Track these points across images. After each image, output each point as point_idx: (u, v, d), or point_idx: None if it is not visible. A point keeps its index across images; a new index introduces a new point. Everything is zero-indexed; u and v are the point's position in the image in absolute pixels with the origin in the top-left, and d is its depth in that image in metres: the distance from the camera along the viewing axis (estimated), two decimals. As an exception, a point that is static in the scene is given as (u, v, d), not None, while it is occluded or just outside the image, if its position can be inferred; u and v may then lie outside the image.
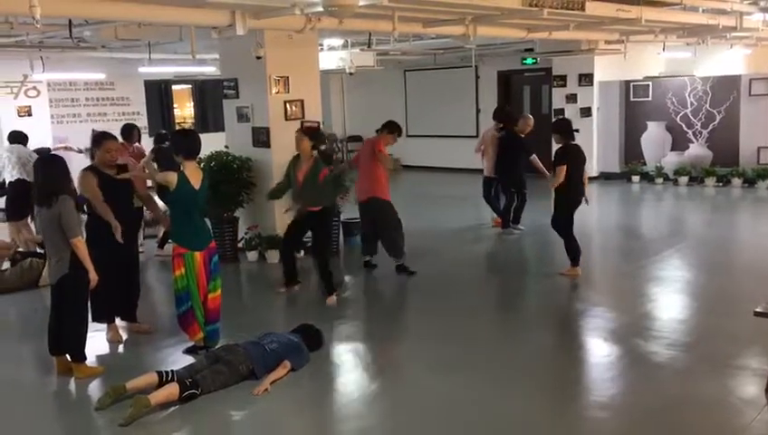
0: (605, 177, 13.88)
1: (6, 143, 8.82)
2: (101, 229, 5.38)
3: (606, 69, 13.57)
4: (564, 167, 7.05)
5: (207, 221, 5.82)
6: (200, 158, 6.42)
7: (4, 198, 8.73)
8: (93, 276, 4.87)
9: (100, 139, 5.58)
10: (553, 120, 8.13)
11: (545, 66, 14.22)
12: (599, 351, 5.30)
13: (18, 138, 8.75)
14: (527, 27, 9.14)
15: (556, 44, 11.64)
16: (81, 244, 4.81)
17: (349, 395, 4.64)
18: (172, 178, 5.16)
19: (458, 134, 15.75)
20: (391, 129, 7.49)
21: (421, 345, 5.50)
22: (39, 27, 5.62)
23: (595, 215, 11.58)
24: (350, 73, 11.80)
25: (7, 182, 8.48)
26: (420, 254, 8.61)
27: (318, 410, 4.55)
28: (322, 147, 6.86)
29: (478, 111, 15.62)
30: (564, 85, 14.01)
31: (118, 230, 5.28)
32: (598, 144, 13.93)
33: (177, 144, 5.40)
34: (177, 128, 14.58)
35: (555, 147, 7.70)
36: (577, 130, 7.64)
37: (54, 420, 4.60)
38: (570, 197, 7.24)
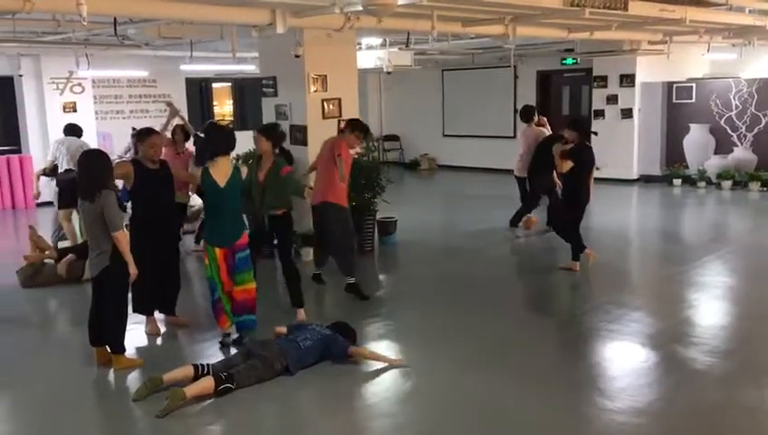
0: (645, 180, 13.65)
1: (61, 135, 9.10)
2: (143, 224, 5.50)
3: (648, 70, 13.34)
4: (571, 162, 7.10)
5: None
6: (238, 155, 6.52)
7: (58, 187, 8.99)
8: (133, 270, 4.96)
9: (144, 134, 5.68)
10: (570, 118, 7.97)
11: (586, 66, 14.04)
12: (636, 356, 5.21)
13: (73, 130, 9.01)
14: (568, 27, 9.02)
15: (597, 44, 11.47)
16: (122, 237, 4.91)
17: (381, 393, 4.65)
18: (197, 173, 5.43)
19: (495, 135, 15.65)
20: (354, 128, 6.58)
21: (455, 345, 5.48)
22: (85, 25, 5.75)
23: (635, 218, 11.41)
24: (388, 72, 11.82)
25: (58, 172, 8.74)
26: (452, 253, 8.60)
27: (350, 407, 4.57)
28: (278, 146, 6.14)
29: (516, 111, 15.49)
30: (605, 86, 13.81)
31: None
32: (639, 146, 13.72)
33: (202, 142, 5.54)
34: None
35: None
36: (595, 133, 7.53)
37: (93, 409, 4.70)
38: (578, 197, 7.30)
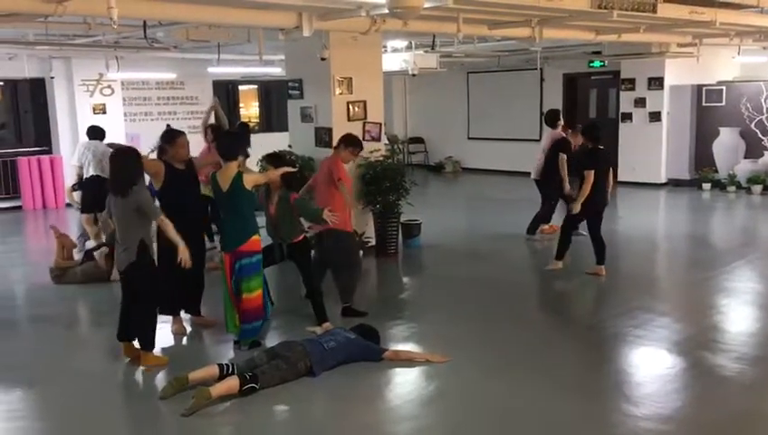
0: (674, 184, 13.47)
1: (85, 138, 9.20)
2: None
3: (677, 72, 13.18)
4: (593, 171, 7.10)
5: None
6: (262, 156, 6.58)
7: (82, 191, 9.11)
8: (183, 253, 5.01)
9: (173, 136, 5.75)
10: (584, 124, 7.93)
11: (613, 69, 13.91)
12: (663, 362, 5.15)
13: (96, 132, 9.07)
14: (595, 29, 8.95)
15: (625, 47, 11.36)
16: (165, 221, 5.02)
17: (404, 395, 4.65)
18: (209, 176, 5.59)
19: (521, 138, 15.57)
20: (348, 143, 6.39)
21: (478, 348, 5.46)
22: (115, 28, 5.84)
23: (663, 222, 11.28)
24: (413, 75, 11.83)
25: (84, 178, 8.86)
26: (476, 256, 8.57)
27: (373, 408, 4.57)
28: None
29: (542, 114, 15.40)
30: (633, 89, 13.67)
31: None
32: (667, 150, 13.55)
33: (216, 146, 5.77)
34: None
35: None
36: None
37: (120, 407, 4.77)
38: (595, 200, 7.26)
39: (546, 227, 9.41)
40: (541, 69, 14.10)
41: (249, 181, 5.39)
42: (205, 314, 6.08)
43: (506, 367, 5.07)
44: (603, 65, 13.89)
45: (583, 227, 9.27)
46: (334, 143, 8.06)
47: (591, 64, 14.08)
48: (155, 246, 5.35)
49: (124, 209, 5.01)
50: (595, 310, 6.61)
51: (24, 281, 7.81)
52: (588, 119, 15.00)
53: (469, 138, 16.95)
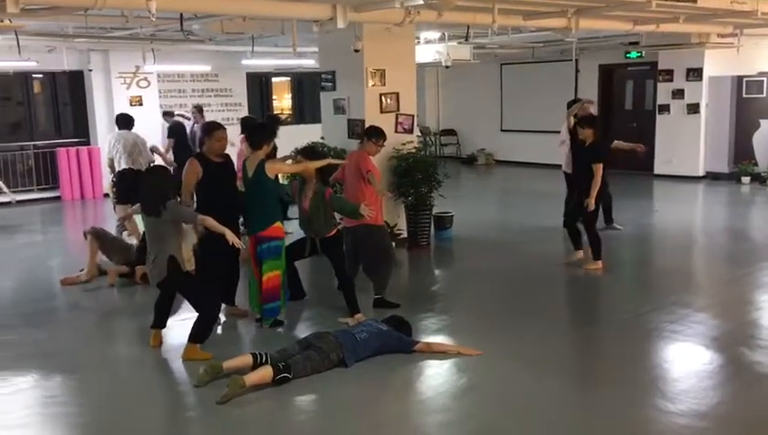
0: (712, 177, 13.21)
1: (116, 129, 9.30)
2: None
3: (717, 63, 12.89)
4: (601, 165, 7.06)
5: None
6: (296, 148, 6.63)
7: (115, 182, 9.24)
8: (231, 234, 5.05)
9: (211, 129, 5.81)
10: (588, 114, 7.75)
11: (651, 60, 13.67)
12: (700, 358, 5.07)
13: (126, 122, 9.05)
14: (633, 20, 8.80)
15: (663, 37, 11.15)
16: (204, 218, 5.09)
17: (436, 387, 4.65)
18: None
19: (555, 129, 15.33)
20: (371, 134, 6.45)
21: (511, 341, 5.43)
22: (153, 21, 5.91)
23: (701, 216, 11.07)
24: (446, 67, 11.77)
25: (116, 170, 8.97)
26: (509, 248, 8.52)
27: (404, 400, 4.59)
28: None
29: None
30: (671, 80, 13.42)
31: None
32: (705, 142, 13.29)
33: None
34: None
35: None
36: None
37: (156, 394, 4.84)
38: (604, 191, 7.24)
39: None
40: (576, 60, 13.90)
41: (272, 170, 5.56)
42: (238, 304, 6.15)
43: (539, 361, 5.04)
44: (640, 56, 13.65)
45: (618, 221, 9.19)
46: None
47: (628, 55, 13.84)
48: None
49: (157, 225, 5.10)
50: (630, 304, 6.51)
51: (62, 271, 7.97)
52: (624, 111, 14.80)
53: (502, 130, 16.82)
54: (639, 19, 8.77)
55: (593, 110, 8.97)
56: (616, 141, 9.06)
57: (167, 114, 12.13)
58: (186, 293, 5.29)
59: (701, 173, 13.33)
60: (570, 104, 9.17)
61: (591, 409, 4.31)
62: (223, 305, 6.08)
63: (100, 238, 7.30)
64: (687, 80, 13.22)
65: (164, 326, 5.44)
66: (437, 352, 5.07)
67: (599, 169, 7.09)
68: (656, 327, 5.68)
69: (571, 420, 4.20)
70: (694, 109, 13.20)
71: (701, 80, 13.07)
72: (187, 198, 5.64)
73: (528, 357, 5.11)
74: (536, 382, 4.67)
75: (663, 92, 13.57)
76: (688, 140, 13.29)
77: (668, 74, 13.43)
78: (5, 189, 10.52)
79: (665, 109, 13.56)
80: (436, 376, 4.86)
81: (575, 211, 7.50)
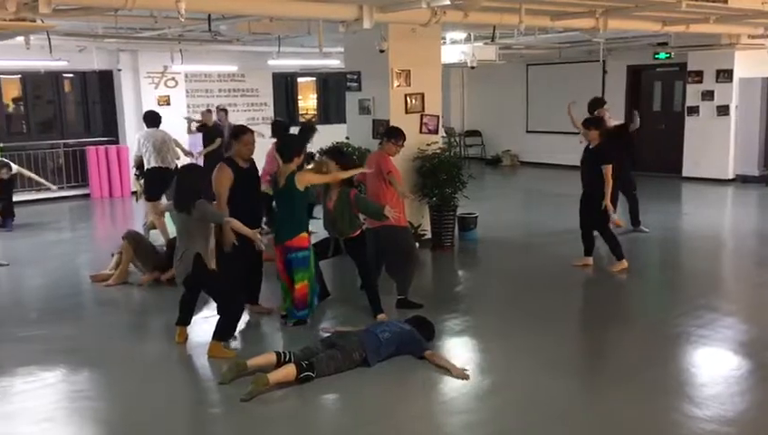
0: (742, 180, 12.99)
1: (144, 127, 9.40)
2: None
3: (747, 65, 12.69)
4: (611, 166, 7.01)
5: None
6: (321, 148, 6.65)
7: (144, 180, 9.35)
8: (254, 234, 5.12)
9: (239, 132, 5.82)
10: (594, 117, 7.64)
11: (680, 61, 13.49)
12: (728, 363, 4.99)
13: (153, 119, 9.07)
14: (662, 20, 8.69)
15: (693, 38, 10.99)
16: (230, 220, 5.14)
17: (458, 389, 4.63)
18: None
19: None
20: (390, 135, 6.43)
21: (535, 343, 5.39)
22: (182, 21, 5.97)
23: (730, 220, 10.90)
24: (472, 67, 11.73)
25: (145, 168, 9.07)
26: (534, 250, 8.46)
27: (426, 401, 4.58)
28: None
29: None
30: (700, 81, 13.23)
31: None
32: (735, 145, 13.07)
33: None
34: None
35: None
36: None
37: (180, 390, 4.90)
38: (630, 193, 7.09)
39: (616, 218, 9.25)
40: (603, 61, 13.77)
41: (302, 182, 5.58)
42: (261, 301, 6.19)
43: (563, 363, 5.00)
44: (669, 57, 13.46)
45: (645, 224, 9.08)
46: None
47: (657, 56, 13.65)
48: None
49: (186, 222, 5.18)
50: (657, 308, 6.44)
51: (89, 267, 8.10)
52: (652, 112, 14.63)
53: (527, 131, 16.72)
54: (669, 20, 8.66)
55: (607, 115, 8.84)
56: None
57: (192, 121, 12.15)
58: (210, 291, 5.35)
59: (730, 176, 13.12)
60: (591, 104, 9.10)
61: (616, 412, 4.26)
62: (248, 304, 6.14)
63: (135, 242, 7.27)
64: (717, 81, 13.02)
65: (189, 323, 5.52)
66: (437, 365, 4.91)
67: (608, 170, 7.03)
68: (683, 331, 5.60)
69: (594, 423, 4.16)
70: (723, 111, 13.00)
71: (731, 81, 12.88)
72: (222, 206, 5.62)
73: (552, 359, 5.07)
74: (560, 384, 4.64)
75: (692, 94, 13.39)
76: (718, 143, 13.10)
77: (698, 75, 13.25)
78: (44, 181, 10.78)
79: (694, 111, 13.38)
80: (457, 378, 4.84)
81: (586, 217, 7.41)
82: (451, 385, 4.71)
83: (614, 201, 9.20)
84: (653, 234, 8.99)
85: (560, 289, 6.87)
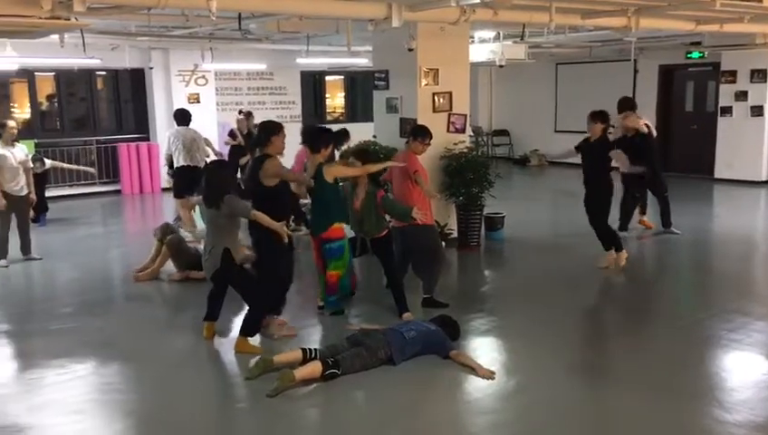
0: (775, 182, 12.75)
1: (174, 125, 9.54)
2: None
3: (783, 64, 12.42)
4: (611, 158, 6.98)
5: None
6: (348, 147, 6.68)
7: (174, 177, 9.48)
8: (281, 227, 5.14)
9: (278, 127, 5.64)
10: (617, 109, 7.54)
11: (713, 60, 13.25)
12: (759, 367, 4.90)
13: (184, 117, 9.24)
14: (696, 19, 8.55)
15: (727, 38, 10.80)
16: (257, 214, 5.16)
17: (484, 389, 4.61)
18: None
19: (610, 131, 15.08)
20: (416, 134, 6.38)
21: (561, 345, 5.35)
22: (213, 20, 6.03)
23: (763, 223, 10.70)
24: (500, 66, 11.66)
25: (174, 166, 9.22)
26: (561, 251, 8.40)
27: (452, 400, 4.57)
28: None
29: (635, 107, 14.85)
30: (734, 81, 13.00)
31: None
32: (770, 146, 12.82)
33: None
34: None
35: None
36: None
37: (208, 384, 4.96)
38: (610, 188, 7.14)
39: (645, 219, 9.14)
40: (635, 60, 13.58)
41: (331, 173, 5.66)
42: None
43: (590, 366, 4.96)
44: (702, 56, 13.25)
45: (676, 226, 8.95)
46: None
47: (689, 55, 13.45)
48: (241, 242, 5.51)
49: (216, 218, 5.23)
50: (687, 310, 6.34)
51: (120, 262, 8.24)
52: (684, 113, 14.41)
53: (556, 131, 16.58)
54: (702, 19, 8.53)
55: (632, 119, 8.68)
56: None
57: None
58: (237, 287, 5.39)
59: (764, 178, 12.88)
60: (621, 103, 8.98)
61: (643, 415, 4.21)
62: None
63: (175, 248, 7.22)
64: (751, 81, 12.78)
65: (216, 319, 5.57)
66: (462, 365, 4.89)
67: (615, 153, 7.04)
68: (714, 334, 5.52)
69: (621, 426, 4.12)
70: (758, 111, 12.75)
71: (766, 81, 12.62)
72: (303, 178, 5.77)
73: (579, 360, 5.03)
74: (586, 386, 4.60)
75: (725, 94, 13.16)
76: (751, 144, 12.86)
77: (731, 75, 13.02)
78: (82, 168, 11.02)
79: (727, 111, 13.15)
80: (483, 379, 4.83)
81: (591, 219, 7.35)
82: (476, 385, 4.70)
83: (643, 203, 9.12)
84: (684, 236, 8.85)
85: (587, 290, 6.81)
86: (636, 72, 14.74)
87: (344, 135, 8.73)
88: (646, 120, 8.95)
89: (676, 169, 12.70)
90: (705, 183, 13.03)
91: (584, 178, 7.34)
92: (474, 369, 4.79)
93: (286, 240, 5.25)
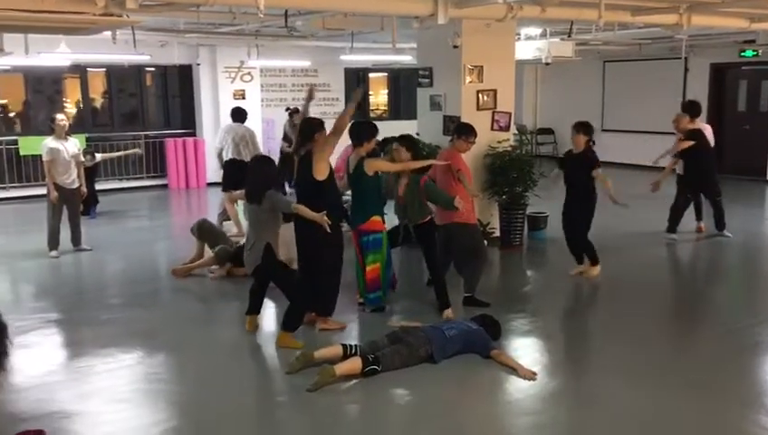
0: (832, 185, 12.30)
1: (228, 121, 9.74)
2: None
3: (843, 63, 11.97)
4: (600, 169, 6.80)
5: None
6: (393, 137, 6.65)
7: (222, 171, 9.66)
8: (321, 217, 5.11)
9: (321, 124, 5.63)
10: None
11: (767, 59, 12.84)
12: (812, 378, 4.75)
13: (239, 115, 9.54)
14: (750, 17, 8.30)
15: (783, 35, 10.45)
16: (299, 207, 5.21)
17: (525, 389, 4.57)
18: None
19: (659, 130, 14.74)
20: (460, 132, 6.36)
21: (604, 348, 5.27)
22: (261, 17, 6.09)
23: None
24: (547, 64, 11.50)
25: (223, 160, 9.39)
26: (605, 253, 8.20)
27: (493, 401, 4.54)
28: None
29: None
30: (789, 80, 12.58)
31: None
32: (826, 148, 12.38)
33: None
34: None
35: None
36: None
37: (249, 377, 5.02)
38: (594, 201, 6.99)
39: (701, 224, 8.95)
40: (685, 58, 13.25)
41: (372, 167, 5.72)
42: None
43: (633, 368, 4.86)
44: (756, 55, 12.85)
45: (728, 229, 8.72)
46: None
47: (743, 54, 13.05)
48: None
49: (257, 213, 5.30)
50: (736, 315, 6.17)
51: (166, 254, 8.40)
52: (736, 113, 14.02)
53: (603, 130, 16.28)
54: (757, 16, 8.27)
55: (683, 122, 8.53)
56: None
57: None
58: (278, 282, 5.45)
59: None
60: (689, 107, 8.83)
61: (688, 421, 4.12)
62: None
63: (223, 260, 7.21)
64: (809, 80, 12.36)
65: (258, 312, 5.65)
66: (502, 364, 4.86)
67: (599, 173, 6.83)
68: (763, 341, 5.37)
69: (663, 429, 4.03)
70: (814, 111, 12.33)
71: (823, 80, 12.20)
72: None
73: (621, 363, 4.94)
74: (629, 390, 4.51)
75: (779, 93, 12.76)
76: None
77: (787, 74, 12.61)
78: (129, 152, 11.32)
79: (781, 111, 12.75)
80: (524, 379, 4.78)
81: (568, 226, 7.15)
82: (517, 386, 4.65)
83: (698, 208, 8.91)
84: (735, 239, 8.62)
85: (632, 293, 6.67)
86: (686, 70, 14.38)
87: (391, 142, 8.73)
88: (702, 125, 8.78)
89: (727, 171, 12.36)
90: (758, 185, 12.65)
91: (567, 189, 7.16)
92: (515, 369, 4.75)
93: (328, 230, 5.19)
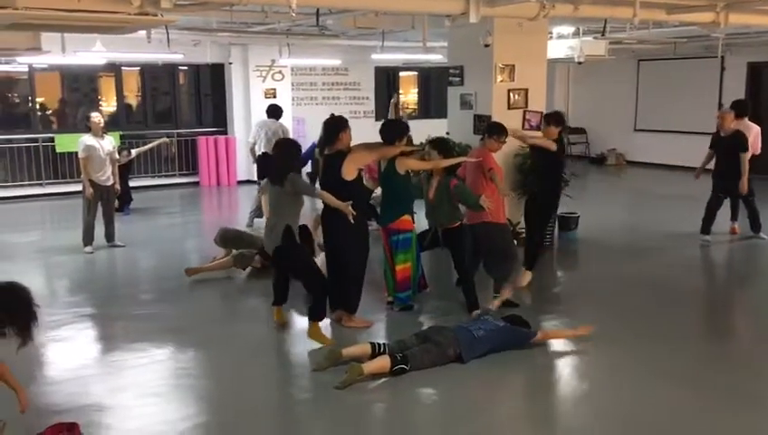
0: None
1: (263, 117, 9.87)
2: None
3: None
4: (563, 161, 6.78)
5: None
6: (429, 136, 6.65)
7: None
8: (346, 206, 5.15)
9: (346, 123, 5.72)
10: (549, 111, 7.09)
11: (807, 58, 12.55)
12: None
13: (274, 111, 9.75)
14: (789, 14, 8.09)
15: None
16: (323, 193, 5.29)
17: (556, 392, 4.53)
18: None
19: (694, 130, 14.48)
20: (492, 131, 6.31)
21: (636, 350, 5.18)
22: (293, 16, 6.11)
23: None
24: (579, 63, 11.36)
25: (256, 154, 9.52)
26: (637, 254, 8.13)
27: (522, 403, 4.51)
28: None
29: (720, 106, 14.22)
30: (830, 80, 12.25)
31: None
32: None
33: None
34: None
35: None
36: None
37: (277, 373, 5.06)
38: (558, 197, 6.91)
39: (735, 226, 8.78)
40: (722, 57, 12.99)
41: (403, 166, 5.74)
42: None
43: (666, 372, 4.78)
44: (795, 54, 12.57)
45: (765, 231, 8.53)
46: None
47: (781, 53, 12.78)
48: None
49: (279, 196, 5.34)
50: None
51: (197, 251, 8.48)
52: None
53: (636, 129, 16.07)
54: (797, 13, 8.06)
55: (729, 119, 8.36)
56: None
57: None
58: (296, 272, 5.46)
59: None
60: (738, 106, 8.67)
61: (721, 425, 4.04)
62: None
63: (241, 264, 7.29)
64: None
65: (284, 302, 5.72)
66: (555, 338, 5.04)
67: (560, 165, 6.79)
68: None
69: (698, 434, 3.96)
70: None
71: None
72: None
73: (654, 366, 4.86)
74: (662, 393, 4.43)
75: (820, 93, 12.44)
76: None
77: (827, 74, 12.29)
78: (158, 142, 11.46)
79: (821, 111, 12.42)
80: (555, 380, 4.73)
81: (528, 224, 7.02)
82: (547, 387, 4.61)
83: (734, 208, 8.73)
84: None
85: (664, 295, 6.56)
86: (723, 69, 14.11)
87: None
88: (749, 125, 8.59)
89: (763, 172, 12.08)
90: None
91: (535, 178, 7.02)
92: (571, 336, 4.97)
93: (352, 220, 5.20)
